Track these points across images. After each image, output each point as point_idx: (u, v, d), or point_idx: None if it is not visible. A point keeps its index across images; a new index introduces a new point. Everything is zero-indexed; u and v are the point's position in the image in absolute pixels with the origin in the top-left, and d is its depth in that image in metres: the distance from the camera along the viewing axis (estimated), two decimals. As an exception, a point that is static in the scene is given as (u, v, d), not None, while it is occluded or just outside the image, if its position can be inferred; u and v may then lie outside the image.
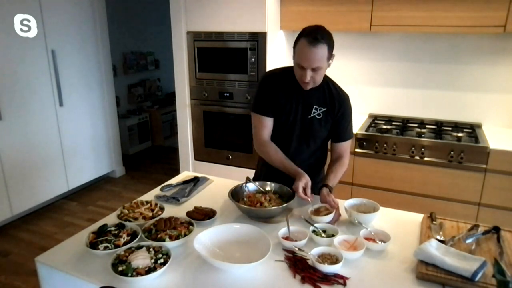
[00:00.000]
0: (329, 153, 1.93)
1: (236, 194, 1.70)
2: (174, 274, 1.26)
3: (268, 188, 1.74)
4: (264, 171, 1.90)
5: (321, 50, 1.56)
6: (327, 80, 1.77)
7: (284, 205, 1.58)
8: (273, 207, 1.57)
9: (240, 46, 3.09)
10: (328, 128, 1.80)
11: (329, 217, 1.55)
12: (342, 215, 1.61)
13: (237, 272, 1.28)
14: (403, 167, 2.75)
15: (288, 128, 1.79)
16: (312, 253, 1.31)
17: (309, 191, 1.63)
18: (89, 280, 1.25)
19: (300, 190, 1.61)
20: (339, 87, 1.81)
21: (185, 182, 1.96)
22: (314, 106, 1.75)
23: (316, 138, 1.81)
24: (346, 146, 1.83)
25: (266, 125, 1.79)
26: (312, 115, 1.76)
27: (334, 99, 1.75)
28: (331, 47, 1.59)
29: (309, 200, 1.61)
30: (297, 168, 1.71)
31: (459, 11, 2.56)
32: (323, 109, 1.76)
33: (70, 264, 1.32)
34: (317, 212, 1.60)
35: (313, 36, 1.54)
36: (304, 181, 1.63)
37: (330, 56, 1.61)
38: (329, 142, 1.90)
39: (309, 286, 1.21)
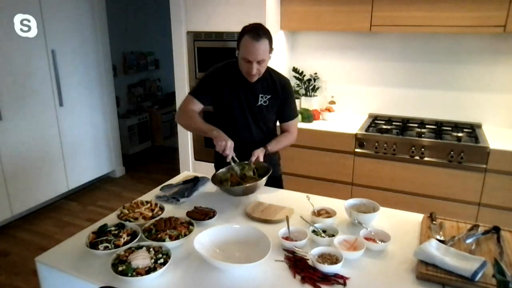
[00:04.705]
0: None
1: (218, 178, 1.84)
2: (174, 274, 1.26)
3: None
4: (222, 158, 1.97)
5: (264, 44, 1.73)
6: (268, 70, 1.92)
7: (267, 175, 1.74)
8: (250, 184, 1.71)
9: (240, 46, 3.08)
10: (275, 112, 1.99)
11: (330, 220, 1.55)
12: (342, 215, 1.61)
13: (237, 272, 1.28)
14: (403, 167, 2.75)
15: (242, 118, 1.95)
16: (312, 253, 1.31)
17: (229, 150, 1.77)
18: (89, 280, 1.25)
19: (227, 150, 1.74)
20: (279, 74, 1.98)
21: (185, 182, 1.95)
22: (260, 95, 1.92)
23: (267, 121, 1.99)
24: (292, 124, 2.03)
25: (196, 108, 1.94)
26: (259, 103, 1.93)
27: (277, 86, 1.93)
28: (271, 41, 1.77)
29: (229, 157, 1.77)
30: (214, 128, 1.82)
31: (459, 11, 2.56)
32: (268, 96, 1.93)
33: (70, 264, 1.32)
34: (317, 214, 1.61)
35: (256, 32, 1.72)
36: (230, 142, 1.76)
37: (271, 49, 1.79)
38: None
39: (309, 286, 1.21)
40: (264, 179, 1.73)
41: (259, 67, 1.78)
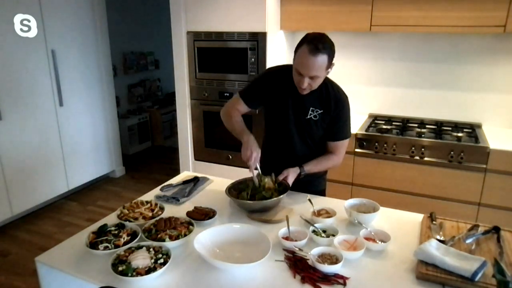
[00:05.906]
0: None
1: (235, 188, 1.77)
2: (174, 274, 1.26)
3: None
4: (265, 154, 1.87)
5: (321, 59, 1.56)
6: (325, 81, 1.73)
7: (280, 196, 1.63)
8: (268, 200, 1.62)
9: (240, 46, 3.09)
10: (324, 127, 1.81)
11: (331, 220, 1.55)
12: (342, 215, 1.61)
13: (237, 272, 1.28)
14: (403, 167, 2.75)
15: (285, 126, 1.81)
16: (312, 253, 1.31)
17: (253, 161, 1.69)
18: (89, 280, 1.25)
19: (252, 160, 1.67)
20: (337, 88, 1.79)
21: (185, 182, 1.96)
22: (311, 108, 1.76)
23: (314, 136, 1.82)
24: (339, 145, 1.84)
25: (242, 109, 1.90)
26: (308, 116, 1.77)
27: (331, 100, 1.75)
28: (331, 57, 1.60)
29: (253, 172, 1.70)
30: (246, 133, 1.77)
31: (459, 11, 2.56)
32: (320, 111, 1.76)
33: (70, 264, 1.32)
34: (317, 214, 1.61)
35: (315, 45, 1.54)
36: (256, 153, 1.69)
37: (330, 65, 1.62)
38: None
39: (309, 286, 1.21)
40: (276, 199, 1.62)
41: (311, 82, 1.62)
